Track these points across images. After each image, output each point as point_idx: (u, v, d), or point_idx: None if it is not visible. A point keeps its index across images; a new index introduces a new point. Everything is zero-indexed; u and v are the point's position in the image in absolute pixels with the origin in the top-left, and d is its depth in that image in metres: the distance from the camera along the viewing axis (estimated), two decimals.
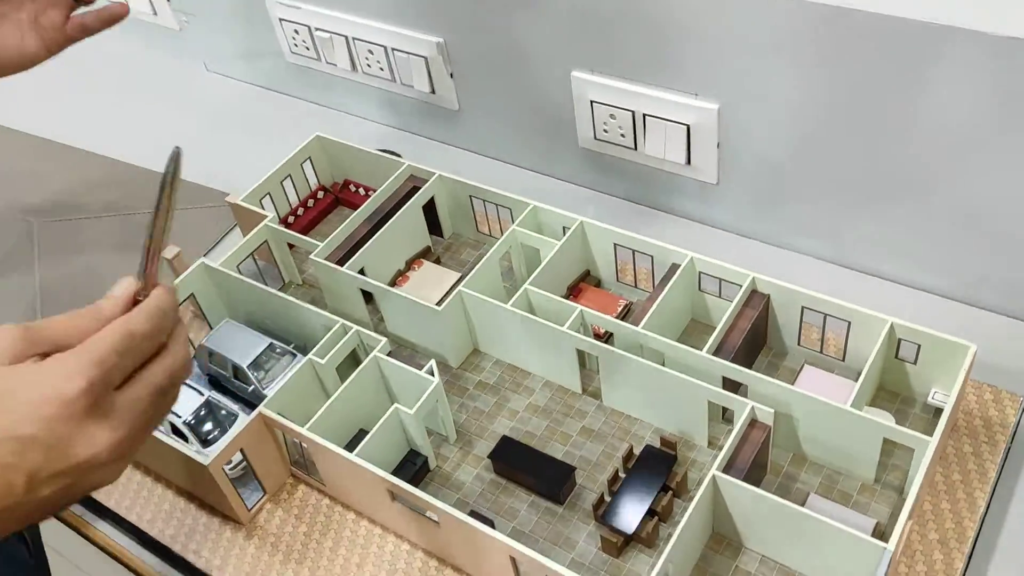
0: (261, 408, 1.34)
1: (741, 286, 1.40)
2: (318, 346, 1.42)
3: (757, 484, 1.28)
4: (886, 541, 1.17)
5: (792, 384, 1.37)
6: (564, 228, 1.56)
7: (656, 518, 1.27)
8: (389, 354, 1.41)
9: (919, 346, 1.29)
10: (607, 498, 1.30)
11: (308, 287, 1.73)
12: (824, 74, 1.41)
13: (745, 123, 1.57)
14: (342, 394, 1.35)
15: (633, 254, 1.52)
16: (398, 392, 1.43)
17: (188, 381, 1.48)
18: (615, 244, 1.52)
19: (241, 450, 1.34)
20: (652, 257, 1.50)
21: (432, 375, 1.35)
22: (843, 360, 1.40)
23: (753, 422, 1.24)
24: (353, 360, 1.46)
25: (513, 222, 1.64)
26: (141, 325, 0.74)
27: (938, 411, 1.35)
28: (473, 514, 1.25)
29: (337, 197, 1.88)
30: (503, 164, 2.00)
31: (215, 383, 1.57)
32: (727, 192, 1.70)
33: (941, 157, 1.39)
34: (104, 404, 0.70)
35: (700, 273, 1.45)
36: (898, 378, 1.36)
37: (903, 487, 1.27)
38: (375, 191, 1.82)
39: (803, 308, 1.37)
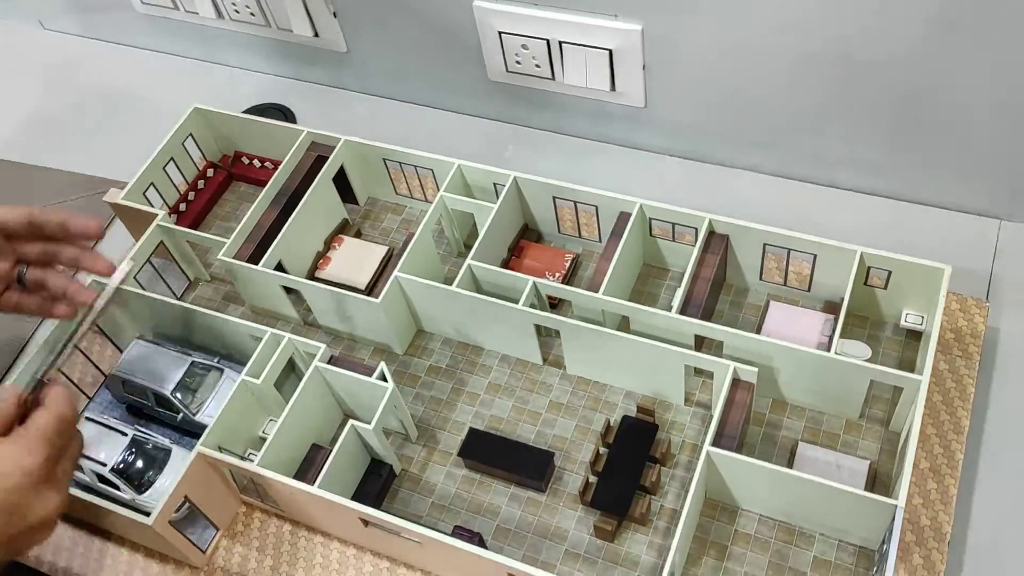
0: (199, 448, 1.19)
1: (698, 230, 1.31)
2: (251, 363, 1.26)
3: (743, 439, 1.23)
4: (885, 483, 1.15)
5: (761, 322, 1.31)
6: (495, 185, 1.43)
7: (646, 494, 1.21)
8: (331, 360, 1.27)
9: (890, 272, 1.24)
10: (592, 480, 1.22)
11: (219, 282, 1.55)
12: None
13: (672, 40, 1.44)
14: (288, 417, 1.22)
15: (575, 205, 1.40)
16: (347, 398, 1.31)
17: (108, 419, 1.32)
18: (555, 197, 1.40)
19: (185, 496, 1.20)
20: (596, 208, 1.38)
21: (385, 380, 1.22)
22: (808, 291, 1.34)
23: (736, 382, 1.17)
24: (291, 367, 1.32)
25: (437, 182, 1.49)
26: (68, 411, 0.92)
27: (910, 332, 1.31)
28: (458, 531, 1.16)
29: (230, 173, 1.68)
30: (406, 105, 1.82)
31: (136, 411, 1.41)
32: (657, 114, 1.58)
33: (875, 57, 1.30)
34: (53, 474, 0.87)
35: (651, 219, 1.35)
36: (867, 303, 1.31)
37: (888, 418, 1.24)
38: (272, 161, 1.64)
39: (765, 245, 1.29)
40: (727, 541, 1.17)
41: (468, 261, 1.32)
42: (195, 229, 1.62)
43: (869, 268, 1.25)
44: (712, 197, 1.54)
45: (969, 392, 1.25)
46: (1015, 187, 1.41)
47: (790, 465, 1.20)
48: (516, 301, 1.28)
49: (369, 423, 1.20)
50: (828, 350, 1.23)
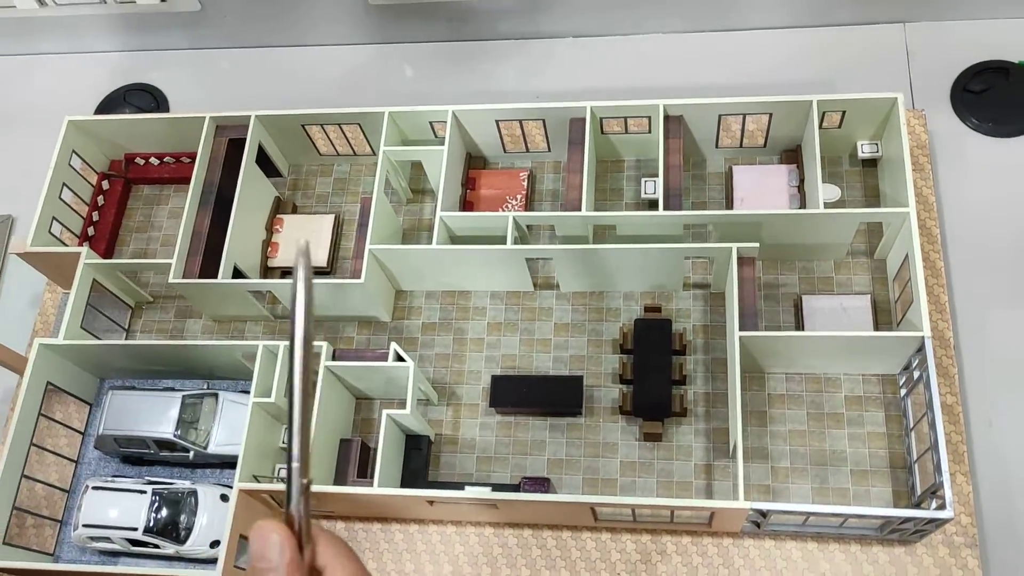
0: (238, 486, 1.14)
1: (651, 118, 1.29)
2: (255, 383, 1.20)
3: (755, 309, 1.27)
4: (885, 310, 1.22)
5: (730, 191, 1.33)
6: (432, 124, 1.36)
7: (680, 387, 1.24)
8: (335, 355, 1.22)
9: (844, 112, 1.27)
10: (626, 390, 1.25)
11: (164, 300, 1.44)
12: None
13: None
14: (316, 429, 1.18)
15: (520, 123, 1.35)
16: (359, 384, 1.27)
17: (116, 482, 1.24)
18: (497, 121, 1.35)
19: (240, 535, 1.16)
20: (543, 120, 1.34)
21: (402, 360, 1.19)
22: (764, 146, 1.37)
23: (741, 260, 1.20)
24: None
25: (365, 133, 1.40)
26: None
27: (866, 161, 1.36)
28: (526, 481, 1.17)
29: (127, 179, 1.53)
30: (280, 50, 1.68)
31: (135, 460, 1.33)
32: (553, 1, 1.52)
33: None
34: None
35: (602, 119, 1.32)
36: (822, 143, 1.33)
37: (871, 249, 1.30)
38: (171, 155, 1.50)
39: (720, 116, 1.30)
40: (764, 407, 1.23)
41: (438, 214, 1.27)
42: (112, 249, 1.49)
43: (824, 112, 1.27)
44: (635, 70, 1.52)
45: (931, 202, 1.33)
46: None
47: (799, 319, 1.25)
48: (497, 240, 1.25)
49: (396, 405, 1.17)
50: (801, 201, 1.28)
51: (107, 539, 1.23)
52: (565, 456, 1.25)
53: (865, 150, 1.33)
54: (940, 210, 1.34)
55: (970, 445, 1.20)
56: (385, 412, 1.17)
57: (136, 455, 1.30)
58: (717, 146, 1.37)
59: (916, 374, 1.13)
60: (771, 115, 1.29)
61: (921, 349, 1.11)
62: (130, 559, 1.23)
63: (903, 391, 1.19)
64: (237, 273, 1.33)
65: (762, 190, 1.32)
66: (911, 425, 1.16)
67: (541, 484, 1.16)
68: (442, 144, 1.31)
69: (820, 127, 1.30)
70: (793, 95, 1.27)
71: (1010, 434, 1.21)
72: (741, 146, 1.37)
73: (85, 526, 1.23)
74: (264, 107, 1.39)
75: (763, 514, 1.07)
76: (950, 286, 1.30)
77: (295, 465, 0.59)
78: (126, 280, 1.39)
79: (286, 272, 1.40)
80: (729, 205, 1.33)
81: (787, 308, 1.29)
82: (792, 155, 1.35)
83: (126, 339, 1.39)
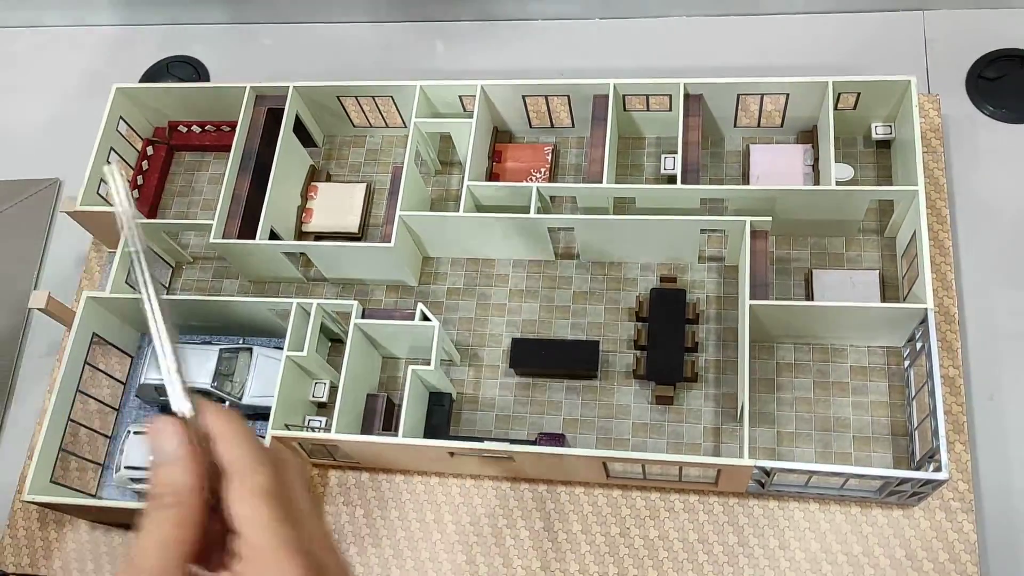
0: (271, 432, 1.21)
1: (672, 96, 1.35)
2: (288, 338, 1.27)
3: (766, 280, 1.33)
4: (893, 285, 1.27)
5: (747, 168, 1.39)
6: (462, 98, 1.42)
7: (692, 354, 1.30)
8: (364, 314, 1.29)
9: (859, 94, 1.32)
10: (640, 356, 1.31)
11: (203, 261, 1.52)
12: None
13: None
14: (345, 382, 1.24)
15: (546, 98, 1.41)
16: (387, 344, 1.34)
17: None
18: (524, 96, 1.40)
19: None
20: (568, 96, 1.40)
21: (428, 319, 1.26)
22: (781, 126, 1.41)
23: (754, 233, 1.25)
24: (320, 328, 1.33)
25: (397, 106, 1.47)
26: (251, 447, 0.60)
27: (880, 142, 1.41)
28: (543, 437, 1.24)
29: (170, 145, 1.60)
30: (318, 26, 1.74)
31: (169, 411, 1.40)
32: None
33: None
34: (313, 553, 0.59)
35: (624, 96, 1.38)
36: (838, 125, 1.38)
37: (882, 227, 1.35)
38: (212, 123, 1.57)
39: (738, 96, 1.35)
40: (772, 374, 1.29)
41: (466, 183, 1.33)
42: (155, 211, 1.56)
43: (839, 94, 1.32)
44: (655, 53, 1.57)
45: (942, 183, 1.37)
46: None
47: (809, 292, 1.31)
48: (521, 209, 1.31)
49: (421, 363, 1.24)
50: (815, 179, 1.32)
51: (139, 480, 1.30)
52: (580, 416, 1.31)
53: (879, 131, 1.37)
54: (951, 191, 1.39)
55: (971, 416, 1.25)
56: (411, 368, 1.23)
57: None
58: (736, 125, 1.42)
59: (919, 346, 1.18)
60: (788, 96, 1.34)
61: (924, 321, 1.15)
62: None
63: (907, 363, 1.24)
64: (273, 236, 1.40)
65: (778, 168, 1.37)
66: (913, 394, 1.21)
67: (557, 439, 1.22)
68: (470, 117, 1.37)
69: (835, 108, 1.35)
70: (840, 76, 1.30)
71: (1011, 407, 1.25)
72: (759, 126, 1.42)
73: (127, 468, 1.31)
74: (302, 80, 1.46)
75: (767, 473, 1.13)
76: (957, 264, 1.34)
77: (172, 368, 0.62)
78: (168, 240, 1.47)
79: (320, 236, 1.46)
80: (746, 181, 1.38)
81: (798, 282, 1.34)
82: (808, 135, 1.40)
83: (166, 296, 1.47)
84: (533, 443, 1.20)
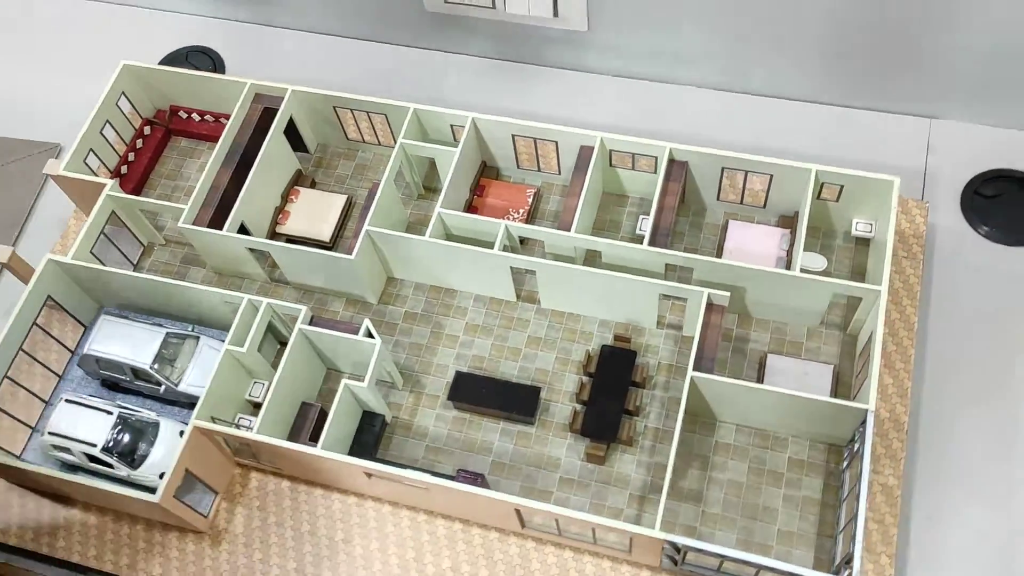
0: (195, 422, 1.20)
1: (658, 159, 1.34)
2: (232, 331, 1.27)
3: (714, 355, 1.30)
4: (847, 383, 1.24)
5: (722, 242, 1.37)
6: (453, 127, 1.42)
7: (631, 417, 1.28)
8: (312, 320, 1.28)
9: (842, 186, 1.30)
10: (579, 409, 1.29)
11: (175, 245, 1.53)
12: None
13: None
14: (278, 383, 1.23)
15: (535, 141, 1.41)
16: (330, 355, 1.33)
17: (89, 399, 1.31)
18: (513, 135, 1.41)
19: (186, 469, 1.22)
20: (556, 143, 1.40)
21: (372, 336, 1.25)
22: (764, 207, 1.40)
23: (710, 306, 1.23)
24: (269, 328, 1.33)
25: (391, 125, 1.48)
26: None
27: (860, 240, 1.39)
28: (462, 473, 1.21)
29: (168, 129, 1.62)
30: (337, 39, 1.77)
31: (112, 385, 1.40)
32: (599, 36, 1.59)
33: None
34: None
35: (611, 151, 1.38)
36: (819, 215, 1.37)
37: (846, 323, 1.32)
38: (211, 113, 1.59)
39: (723, 168, 1.34)
40: (709, 452, 1.26)
41: (438, 209, 1.33)
42: (140, 190, 1.58)
43: (823, 184, 1.31)
44: (659, 114, 1.58)
45: (916, 291, 1.35)
46: (943, 86, 1.48)
47: (761, 376, 1.28)
48: (489, 245, 1.30)
49: (359, 379, 1.22)
50: (787, 264, 1.31)
51: (68, 451, 1.30)
52: (509, 461, 1.28)
53: (859, 228, 1.36)
54: (925, 299, 1.36)
55: (904, 530, 1.20)
56: (344, 381, 1.22)
57: (113, 380, 1.37)
58: (719, 199, 1.41)
59: (856, 447, 1.15)
60: (772, 176, 1.33)
61: (865, 422, 1.12)
62: (84, 475, 1.29)
63: (845, 463, 1.21)
64: (244, 231, 1.40)
65: (752, 247, 1.35)
66: (844, 496, 1.17)
67: (475, 479, 1.20)
68: (463, 144, 1.37)
69: (818, 197, 1.34)
70: (796, 160, 1.30)
71: (949, 529, 1.21)
72: (741, 202, 1.41)
73: (51, 434, 1.30)
74: (312, 89, 1.47)
75: (678, 549, 1.09)
76: (920, 374, 1.31)
77: None
78: (143, 219, 1.48)
79: (292, 240, 1.47)
80: (719, 256, 1.37)
81: (752, 364, 1.32)
82: (789, 221, 1.39)
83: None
84: (453, 478, 1.18)
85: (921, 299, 1.36)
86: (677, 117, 1.58)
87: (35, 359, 1.41)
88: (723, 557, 1.08)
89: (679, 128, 1.56)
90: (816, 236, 1.40)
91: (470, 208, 1.45)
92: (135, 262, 1.51)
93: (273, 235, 1.47)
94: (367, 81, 1.70)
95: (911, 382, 1.29)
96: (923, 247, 1.38)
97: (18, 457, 1.35)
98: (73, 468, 1.32)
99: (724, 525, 1.21)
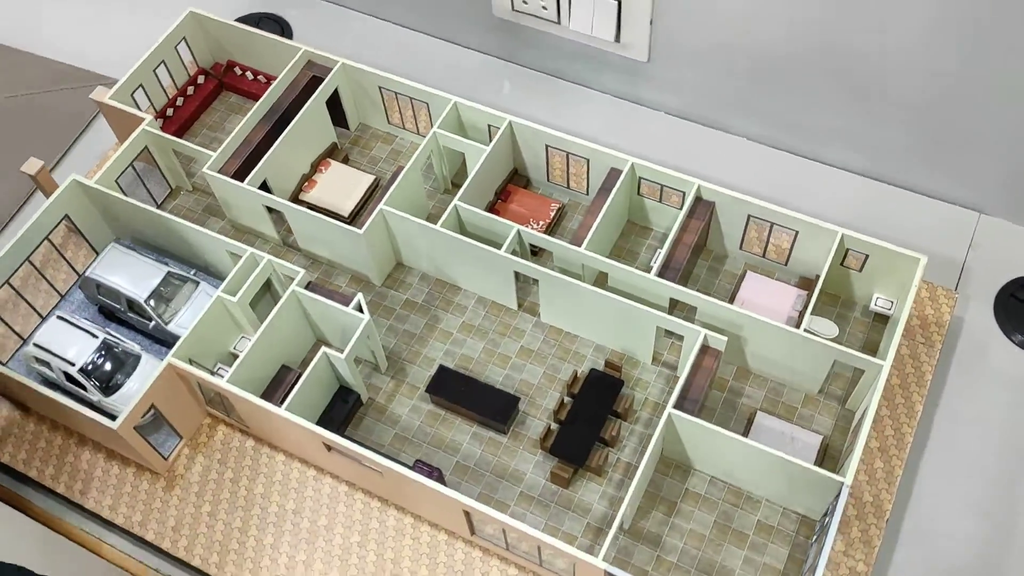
0: (170, 359, 1.20)
1: (686, 194, 1.32)
2: (228, 280, 1.27)
3: (705, 403, 1.26)
4: (835, 458, 1.19)
5: (736, 290, 1.33)
6: (490, 127, 1.42)
7: (605, 446, 1.24)
8: (308, 285, 1.28)
9: (867, 256, 1.26)
10: (554, 428, 1.25)
11: (200, 193, 1.54)
12: None
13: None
14: (261, 337, 1.23)
15: (567, 155, 1.40)
16: (321, 325, 1.32)
17: (79, 320, 1.32)
18: (547, 145, 1.40)
19: (152, 404, 1.21)
20: (588, 160, 1.38)
21: (361, 311, 1.24)
22: (786, 264, 1.36)
23: (705, 348, 1.19)
24: (267, 287, 1.33)
25: (431, 116, 1.48)
26: None
27: (878, 316, 1.34)
28: (419, 464, 1.19)
29: (221, 82, 1.65)
30: (404, 30, 1.79)
31: (108, 313, 1.41)
32: (658, 71, 1.57)
33: (877, 49, 1.31)
34: None
35: (640, 178, 1.36)
36: (840, 282, 1.33)
37: (846, 397, 1.27)
38: (265, 75, 1.61)
39: (749, 216, 1.31)
40: (677, 498, 1.21)
41: (455, 202, 1.32)
42: (181, 136, 1.60)
43: (848, 250, 1.27)
44: (702, 159, 1.55)
45: (927, 379, 1.29)
46: (1002, 183, 1.43)
47: (747, 432, 1.23)
48: (499, 246, 1.29)
49: (342, 351, 1.21)
50: (798, 325, 1.26)
51: (48, 366, 1.30)
52: (474, 465, 1.25)
53: (879, 303, 1.31)
54: (937, 392, 1.30)
55: None
56: (324, 348, 1.21)
57: (109, 308, 1.38)
58: (741, 248, 1.38)
59: (826, 521, 1.09)
60: (797, 233, 1.29)
61: (838, 496, 1.07)
62: (57, 392, 1.30)
63: (814, 537, 1.15)
64: (266, 190, 1.41)
65: (765, 301, 1.31)
66: (805, 570, 1.11)
67: (431, 472, 1.17)
68: (495, 143, 1.37)
69: (842, 264, 1.30)
70: (824, 221, 1.26)
71: None
72: (763, 255, 1.37)
73: (35, 345, 1.31)
74: (362, 65, 1.48)
75: None
76: (913, 464, 1.25)
77: None
78: (176, 162, 1.50)
79: (312, 208, 1.47)
80: (730, 302, 1.32)
81: (741, 419, 1.27)
82: (809, 283, 1.34)
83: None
84: (410, 467, 1.15)
85: (931, 389, 1.30)
86: (721, 164, 1.55)
87: (43, 276, 1.43)
88: None
89: (720, 175, 1.53)
90: (834, 304, 1.36)
91: (491, 209, 1.43)
92: (159, 203, 1.53)
93: (295, 200, 1.48)
94: (423, 74, 1.71)
95: (903, 471, 1.22)
96: (943, 337, 1.32)
97: (3, 363, 1.36)
98: (52, 385, 1.33)
99: (677, 575, 1.16)
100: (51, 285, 1.44)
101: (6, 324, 1.39)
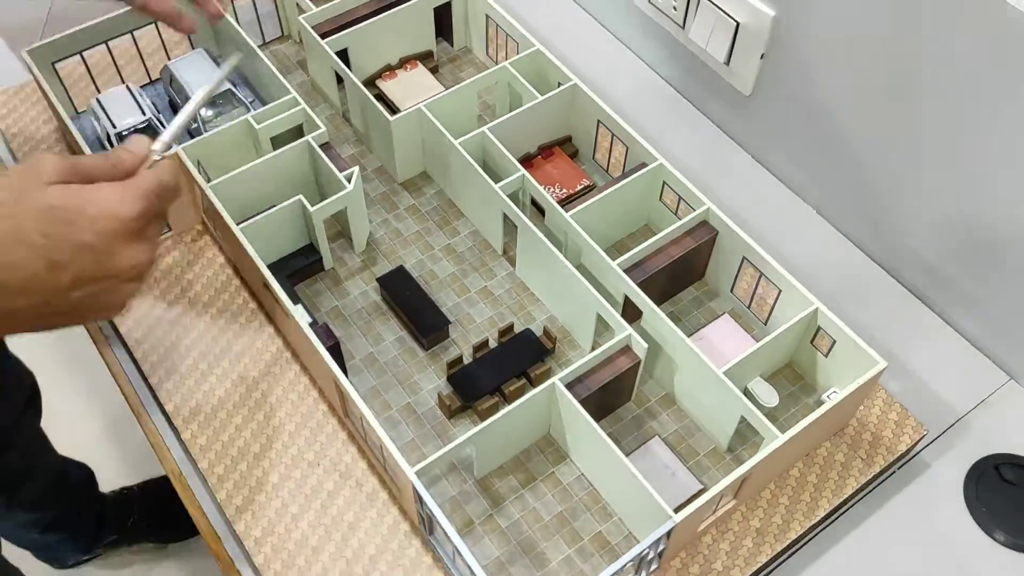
0: (178, 149, 1.32)
1: (693, 210, 1.29)
2: (262, 109, 1.37)
3: (612, 409, 1.25)
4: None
5: (705, 327, 1.30)
6: (559, 84, 1.45)
7: (501, 398, 1.24)
8: (324, 145, 1.36)
9: (835, 341, 1.19)
10: (465, 360, 1.27)
11: (301, 46, 1.66)
12: (908, 15, 1.20)
13: (798, 40, 1.39)
14: (261, 165, 1.32)
15: (612, 137, 1.41)
16: (323, 183, 1.40)
17: (142, 96, 1.46)
18: (599, 121, 1.41)
19: None
20: (627, 148, 1.38)
21: (348, 182, 1.30)
22: (765, 324, 1.31)
23: (625, 349, 1.18)
24: (297, 135, 1.42)
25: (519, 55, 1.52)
26: (171, 179, 0.87)
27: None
28: (322, 327, 1.24)
29: None
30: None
31: (175, 108, 1.56)
32: (755, 108, 1.54)
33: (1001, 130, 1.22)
34: (147, 231, 0.83)
35: (664, 183, 1.34)
36: (807, 362, 1.27)
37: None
38: None
39: (743, 258, 1.27)
40: (539, 476, 1.20)
41: (484, 128, 1.36)
42: None
43: (819, 328, 1.20)
44: (748, 204, 1.51)
45: (844, 492, 1.20)
46: None
47: (633, 450, 1.20)
48: (512, 197, 1.31)
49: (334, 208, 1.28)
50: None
51: (98, 121, 1.46)
52: (382, 361, 1.29)
53: (831, 398, 1.23)
54: (860, 512, 1.22)
55: None
56: (299, 196, 1.28)
57: (174, 102, 1.53)
58: (732, 291, 1.33)
59: (649, 554, 1.05)
60: (780, 292, 1.24)
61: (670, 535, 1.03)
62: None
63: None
64: (345, 60, 1.50)
65: (721, 344, 1.27)
66: None
67: (328, 337, 1.22)
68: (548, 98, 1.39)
69: (811, 342, 1.23)
70: (831, 312, 1.19)
71: None
72: (749, 307, 1.32)
73: (96, 100, 1.47)
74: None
75: (428, 516, 1.06)
76: (790, 568, 1.18)
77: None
78: (295, 7, 1.61)
79: (380, 96, 1.55)
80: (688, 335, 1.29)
81: (640, 439, 1.24)
82: None
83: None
84: (312, 324, 1.20)
85: (847, 506, 1.22)
86: (762, 214, 1.50)
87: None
88: (457, 552, 1.03)
89: (758, 228, 1.48)
90: (795, 382, 1.29)
91: (528, 161, 1.46)
92: (265, 41, 1.66)
93: (366, 82, 1.56)
94: (533, 24, 1.72)
95: (765, 559, 1.16)
96: (887, 463, 1.23)
97: (77, 112, 1.54)
98: (96, 139, 1.49)
99: (498, 540, 1.15)
100: (146, 70, 1.59)
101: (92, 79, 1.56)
